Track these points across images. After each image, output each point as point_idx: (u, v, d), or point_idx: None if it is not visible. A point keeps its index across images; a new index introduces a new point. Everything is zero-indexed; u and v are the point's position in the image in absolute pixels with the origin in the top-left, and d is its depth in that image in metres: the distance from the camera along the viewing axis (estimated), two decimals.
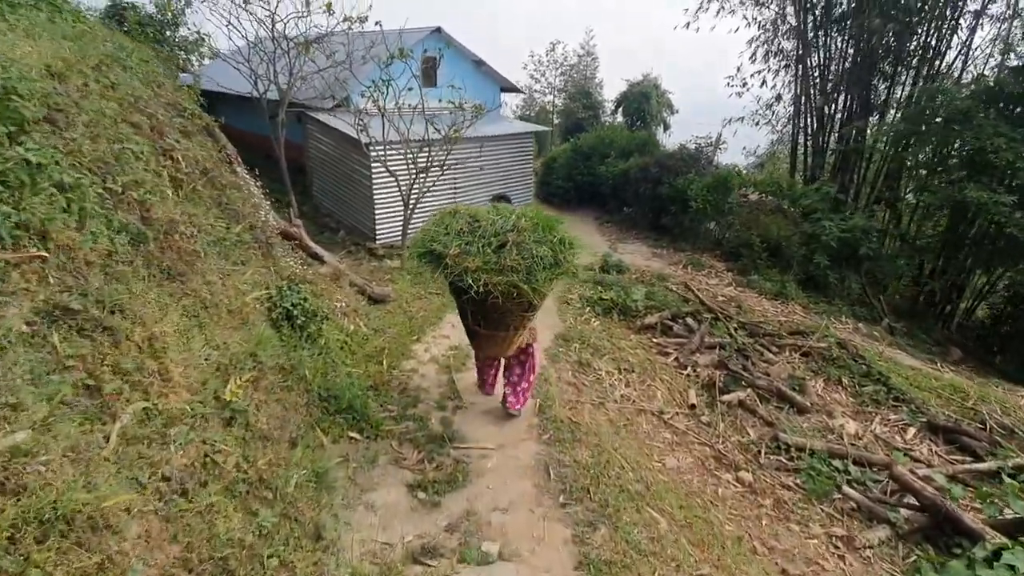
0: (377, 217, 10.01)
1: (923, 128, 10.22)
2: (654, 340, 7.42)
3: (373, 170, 9.64)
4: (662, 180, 11.85)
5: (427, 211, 10.95)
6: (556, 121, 24.78)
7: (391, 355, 5.81)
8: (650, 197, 12.24)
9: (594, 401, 5.73)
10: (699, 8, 14.46)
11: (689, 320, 7.74)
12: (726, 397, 6.05)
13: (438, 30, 12.16)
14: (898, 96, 13.38)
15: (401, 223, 9.27)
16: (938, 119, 9.80)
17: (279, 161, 10.45)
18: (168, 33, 14.36)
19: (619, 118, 21.23)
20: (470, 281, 3.54)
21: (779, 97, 16.61)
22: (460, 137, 8.59)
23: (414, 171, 8.64)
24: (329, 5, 9.47)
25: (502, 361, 4.88)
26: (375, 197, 9.87)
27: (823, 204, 10.57)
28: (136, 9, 13.30)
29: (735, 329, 7.57)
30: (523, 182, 12.67)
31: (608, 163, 13.56)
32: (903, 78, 13.19)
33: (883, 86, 13.56)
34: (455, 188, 11.07)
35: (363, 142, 8.78)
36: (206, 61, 14.56)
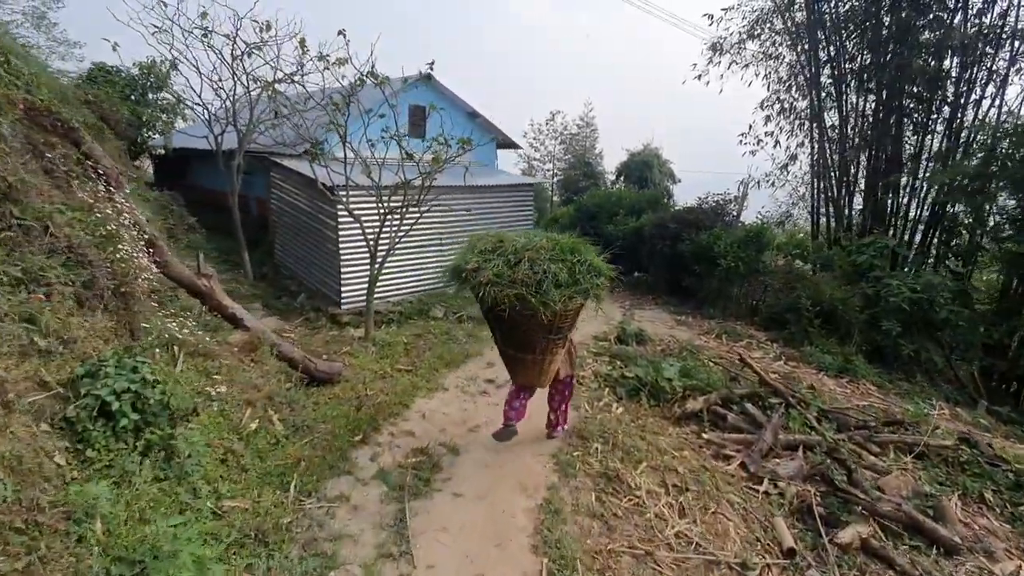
0: (343, 277, 8.21)
1: (995, 171, 8.68)
2: (704, 435, 5.30)
3: (340, 221, 7.99)
4: (682, 237, 10.22)
5: (402, 269, 9.40)
6: (554, 189, 23.95)
7: (310, 469, 3.71)
8: (668, 257, 10.54)
9: (636, 547, 3.55)
10: (709, 62, 13.70)
11: (748, 406, 5.66)
12: (841, 536, 3.85)
13: (428, 77, 11.13)
14: (932, 147, 12.13)
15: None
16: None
17: (231, 212, 8.87)
18: (151, 95, 13.61)
19: (620, 187, 20.38)
20: (482, 294, 3.71)
21: (794, 157, 15.59)
22: (440, 172, 6.97)
23: (383, 217, 6.94)
24: (302, 41, 8.30)
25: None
26: (341, 253, 8.13)
27: (881, 261, 8.83)
28: (120, 73, 12.52)
29: (816, 420, 5.46)
30: (521, 226, 11.06)
31: (617, 221, 12.04)
32: (935, 127, 12.00)
33: (914, 138, 12.37)
34: (441, 243, 9.41)
35: (327, 184, 7.19)
36: (189, 123, 13.67)
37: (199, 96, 9.00)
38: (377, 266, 6.98)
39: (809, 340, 8.39)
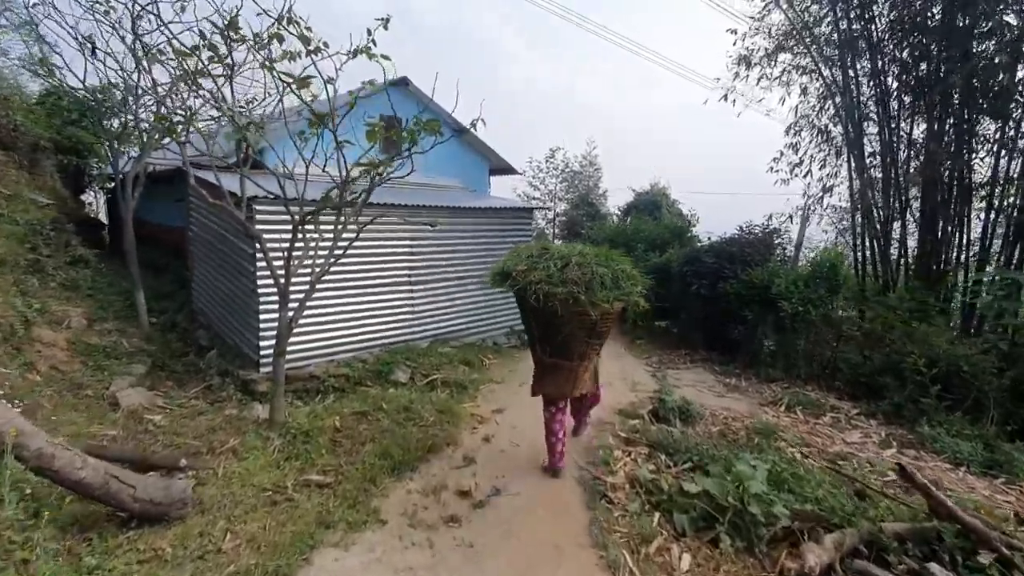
0: (263, 327, 5.82)
1: None
2: None
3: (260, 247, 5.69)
4: (724, 274, 7.91)
5: (352, 315, 6.53)
6: (556, 229, 22.00)
7: None
8: (706, 300, 8.19)
9: None
10: (735, 76, 11.88)
11: (933, 567, 3.10)
12: None
13: (404, 82, 9.20)
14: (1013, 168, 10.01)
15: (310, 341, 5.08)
16: None
17: (124, 235, 6.60)
18: (106, 123, 11.83)
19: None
20: (533, 292, 3.77)
21: (829, 189, 13.58)
22: (388, 174, 4.76)
23: (294, 236, 4.64)
24: (231, 22, 6.23)
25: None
26: (260, 291, 5.78)
27: (1012, 303, 6.45)
28: (69, 96, 10.69)
29: None
30: None
31: (635, 258, 9.75)
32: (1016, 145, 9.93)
33: (987, 160, 10.28)
34: (410, 281, 7.11)
35: (235, 193, 4.96)
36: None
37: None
38: (291, 311, 4.59)
39: (926, 416, 5.88)
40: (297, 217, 4.54)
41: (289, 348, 5.12)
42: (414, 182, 9.31)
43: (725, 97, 12.08)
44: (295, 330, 4.86)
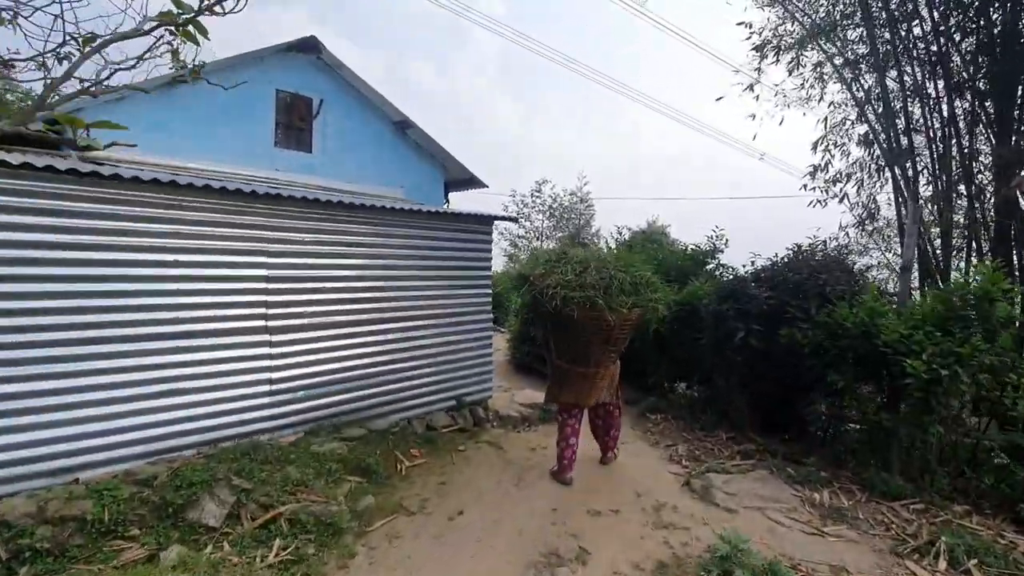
0: None
1: None
2: None
3: None
4: (786, 313, 5.00)
5: (122, 390, 3.54)
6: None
7: None
8: (756, 355, 5.23)
9: None
10: (758, 71, 9.57)
11: None
12: None
13: (312, 45, 6.61)
14: None
15: None
16: None
17: None
18: None
19: None
20: (551, 296, 3.74)
21: (872, 214, 11.16)
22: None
23: None
24: None
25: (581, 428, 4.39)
26: None
27: None
28: None
29: None
30: (469, 307, 5.73)
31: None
32: None
33: None
34: (269, 325, 4.16)
35: None
36: None
37: None
38: None
39: None
40: None
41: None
42: (325, 187, 6.53)
43: (751, 87, 9.75)
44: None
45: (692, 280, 6.69)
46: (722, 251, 7.32)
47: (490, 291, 5.86)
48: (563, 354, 4.18)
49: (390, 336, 4.97)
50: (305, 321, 4.41)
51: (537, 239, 21.50)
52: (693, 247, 7.54)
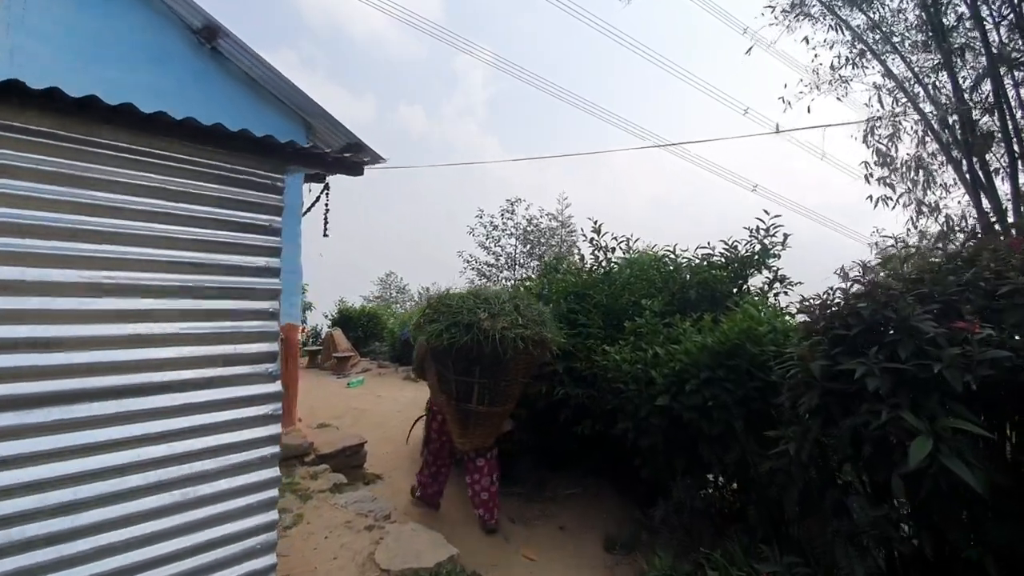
0: None
1: None
2: None
3: None
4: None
5: None
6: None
7: None
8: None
9: None
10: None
11: None
12: None
13: None
14: None
15: None
16: None
17: None
18: None
19: None
20: (501, 337, 3.42)
21: (946, 234, 8.66)
22: None
23: None
24: None
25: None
26: None
27: None
28: None
29: None
30: (228, 359, 2.19)
31: (644, 322, 3.50)
32: None
33: None
34: None
35: None
36: None
37: None
38: None
39: None
40: None
41: None
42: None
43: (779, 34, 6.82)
44: None
45: (730, 307, 3.32)
46: (777, 255, 3.97)
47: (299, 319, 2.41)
48: (484, 397, 3.72)
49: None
50: None
51: (508, 267, 18.18)
52: (725, 250, 4.13)
